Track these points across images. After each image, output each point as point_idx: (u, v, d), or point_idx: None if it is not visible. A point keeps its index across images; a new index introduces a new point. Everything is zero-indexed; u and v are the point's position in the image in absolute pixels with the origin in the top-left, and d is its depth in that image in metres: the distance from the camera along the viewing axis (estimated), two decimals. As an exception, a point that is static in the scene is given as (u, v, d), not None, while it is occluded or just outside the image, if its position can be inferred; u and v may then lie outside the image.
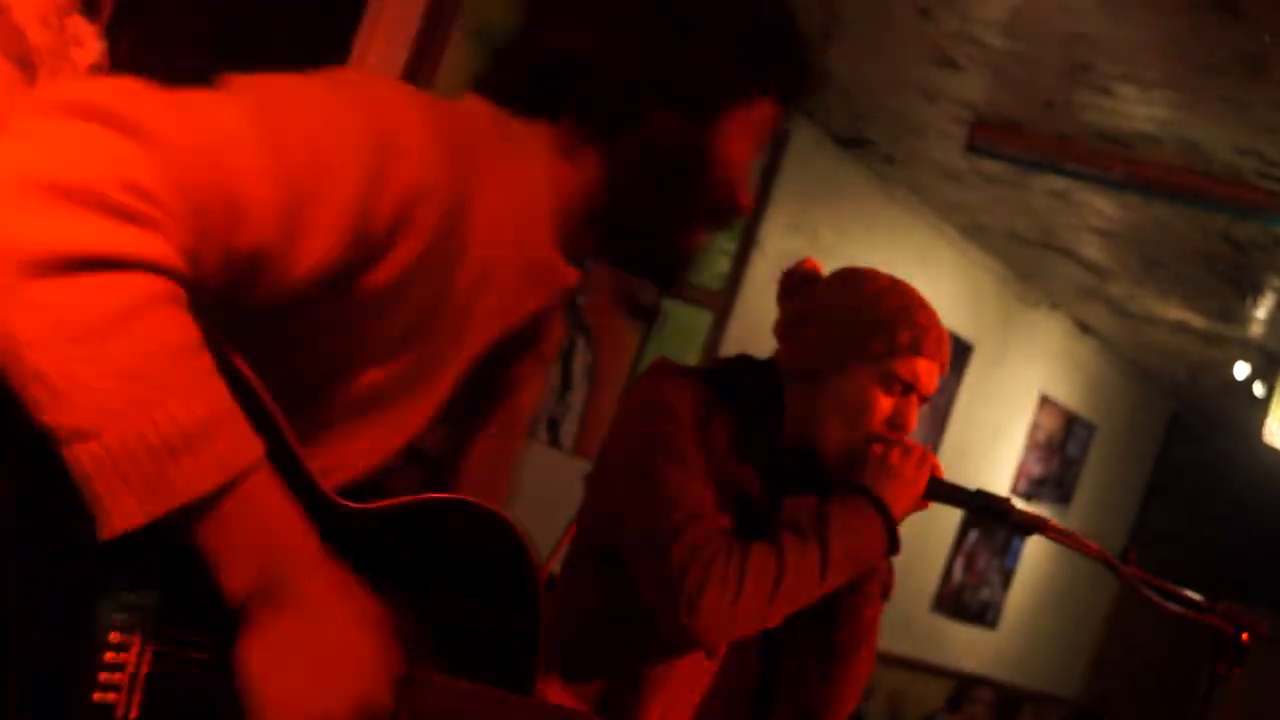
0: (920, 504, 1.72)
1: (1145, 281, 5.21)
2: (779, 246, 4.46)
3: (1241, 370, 5.19)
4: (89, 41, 2.90)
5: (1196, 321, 5.48)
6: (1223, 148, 3.62)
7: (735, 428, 1.66)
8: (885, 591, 1.78)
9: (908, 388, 1.69)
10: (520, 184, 1.09)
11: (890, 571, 1.78)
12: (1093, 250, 5.04)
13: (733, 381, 1.71)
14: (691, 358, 4.28)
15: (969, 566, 6.15)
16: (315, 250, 0.91)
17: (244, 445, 0.85)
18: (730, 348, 3.95)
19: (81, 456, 0.78)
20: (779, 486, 1.70)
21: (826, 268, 1.84)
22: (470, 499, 1.13)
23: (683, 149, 1.12)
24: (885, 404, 1.69)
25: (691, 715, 1.74)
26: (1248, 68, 3.10)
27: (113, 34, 2.92)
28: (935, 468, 1.72)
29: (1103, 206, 4.49)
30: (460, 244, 1.03)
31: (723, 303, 4.39)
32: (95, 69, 2.92)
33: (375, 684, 0.92)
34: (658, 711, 1.67)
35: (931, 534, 5.68)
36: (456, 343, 1.09)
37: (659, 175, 1.13)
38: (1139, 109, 3.58)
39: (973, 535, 6.03)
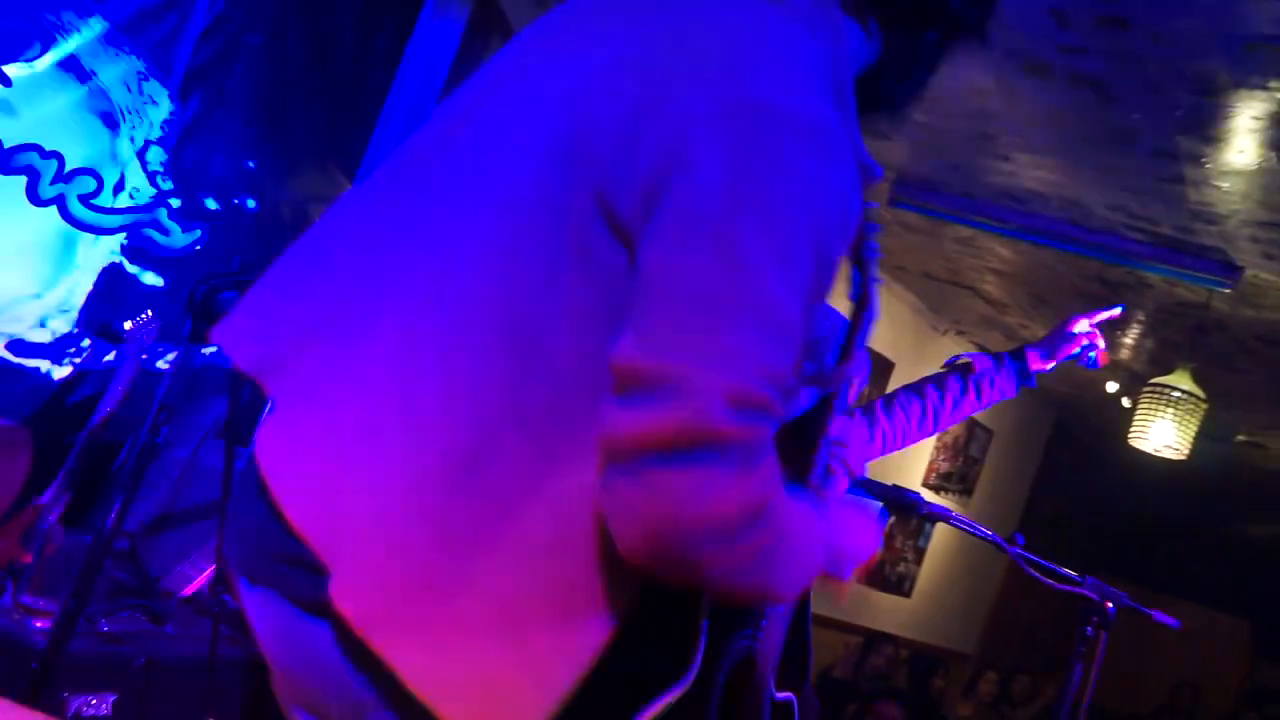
0: None
1: (1034, 314, 5.27)
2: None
3: (1112, 387, 5.31)
4: (162, 101, 2.93)
5: (1076, 345, 5.53)
6: (1098, 205, 3.69)
7: None
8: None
9: None
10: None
11: None
12: (991, 288, 5.09)
13: None
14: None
15: (888, 545, 6.20)
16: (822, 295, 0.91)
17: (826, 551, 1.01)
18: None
19: (781, 603, 1.04)
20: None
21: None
22: None
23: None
24: None
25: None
26: (1120, 140, 3.18)
27: (182, 95, 2.96)
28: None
29: (1001, 251, 4.54)
30: None
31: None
32: (166, 124, 2.96)
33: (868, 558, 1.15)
34: None
35: (856, 519, 5.73)
36: None
37: (923, 57, 1.09)
38: (1031, 172, 3.64)
39: (891, 520, 6.10)
